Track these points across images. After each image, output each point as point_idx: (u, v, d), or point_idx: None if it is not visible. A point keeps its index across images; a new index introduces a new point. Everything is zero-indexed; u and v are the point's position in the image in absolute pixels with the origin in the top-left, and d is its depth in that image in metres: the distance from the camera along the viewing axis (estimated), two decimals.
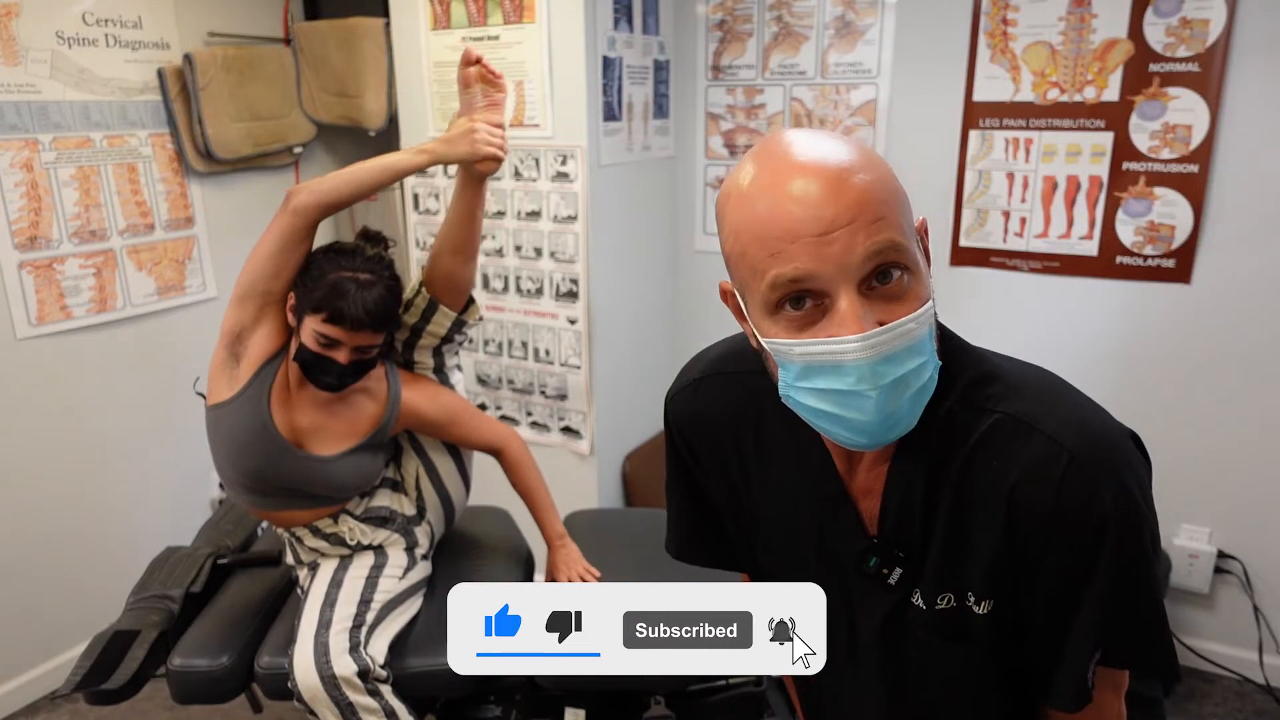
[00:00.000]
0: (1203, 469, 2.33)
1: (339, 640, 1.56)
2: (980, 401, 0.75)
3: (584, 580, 1.80)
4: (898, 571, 0.80)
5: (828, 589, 0.82)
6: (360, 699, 1.54)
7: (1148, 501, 0.73)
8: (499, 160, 1.65)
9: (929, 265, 0.75)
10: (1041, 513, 0.72)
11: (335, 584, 1.66)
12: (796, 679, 1.04)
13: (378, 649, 1.59)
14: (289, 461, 1.62)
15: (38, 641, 2.43)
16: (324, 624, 1.58)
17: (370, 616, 1.62)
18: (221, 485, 2.81)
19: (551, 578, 1.83)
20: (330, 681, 1.52)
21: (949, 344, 0.79)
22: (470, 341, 1.89)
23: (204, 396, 1.66)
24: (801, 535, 0.87)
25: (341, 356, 1.57)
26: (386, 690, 1.57)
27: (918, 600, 0.80)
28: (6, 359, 2.28)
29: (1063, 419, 0.73)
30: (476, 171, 1.66)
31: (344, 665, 1.53)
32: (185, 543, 1.94)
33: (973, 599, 0.77)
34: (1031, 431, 0.73)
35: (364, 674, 1.54)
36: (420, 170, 1.70)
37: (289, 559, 1.80)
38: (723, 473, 0.93)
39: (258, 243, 1.61)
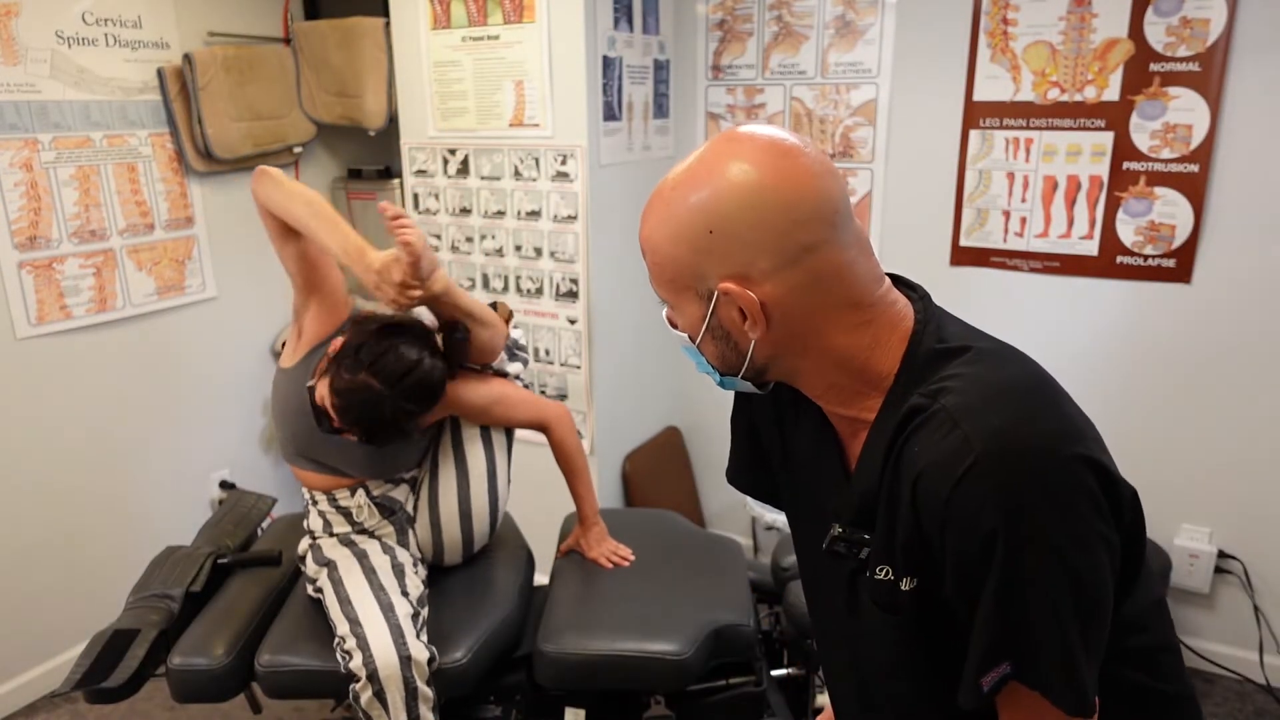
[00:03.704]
0: (1203, 469, 2.33)
1: (407, 624, 1.58)
2: (936, 393, 0.77)
3: (613, 560, 1.89)
4: (862, 537, 0.84)
5: (822, 542, 0.87)
6: (424, 687, 1.55)
7: (1062, 527, 0.70)
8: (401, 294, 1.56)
9: (742, 324, 0.80)
10: (936, 507, 0.73)
11: (370, 570, 1.67)
12: (816, 641, 1.10)
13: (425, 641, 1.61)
14: (324, 438, 1.70)
15: (38, 641, 2.43)
16: (387, 607, 1.59)
17: (415, 607, 1.64)
18: (222, 484, 2.83)
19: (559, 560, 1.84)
20: (406, 662, 1.53)
21: (929, 341, 0.81)
22: (523, 349, 1.92)
23: (277, 356, 1.79)
24: (808, 488, 0.96)
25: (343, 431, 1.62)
26: (433, 686, 1.59)
27: (868, 567, 0.84)
28: (6, 359, 2.28)
29: (989, 422, 0.72)
30: None
31: (418, 649, 1.55)
32: (185, 543, 1.94)
33: (900, 574, 0.80)
34: (954, 428, 0.73)
35: (430, 661, 1.56)
36: (332, 254, 1.59)
37: (305, 524, 1.84)
38: (770, 416, 1.01)
39: None
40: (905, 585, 0.80)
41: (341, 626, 1.58)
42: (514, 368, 1.89)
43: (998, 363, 0.80)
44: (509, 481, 1.89)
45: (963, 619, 0.76)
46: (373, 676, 1.52)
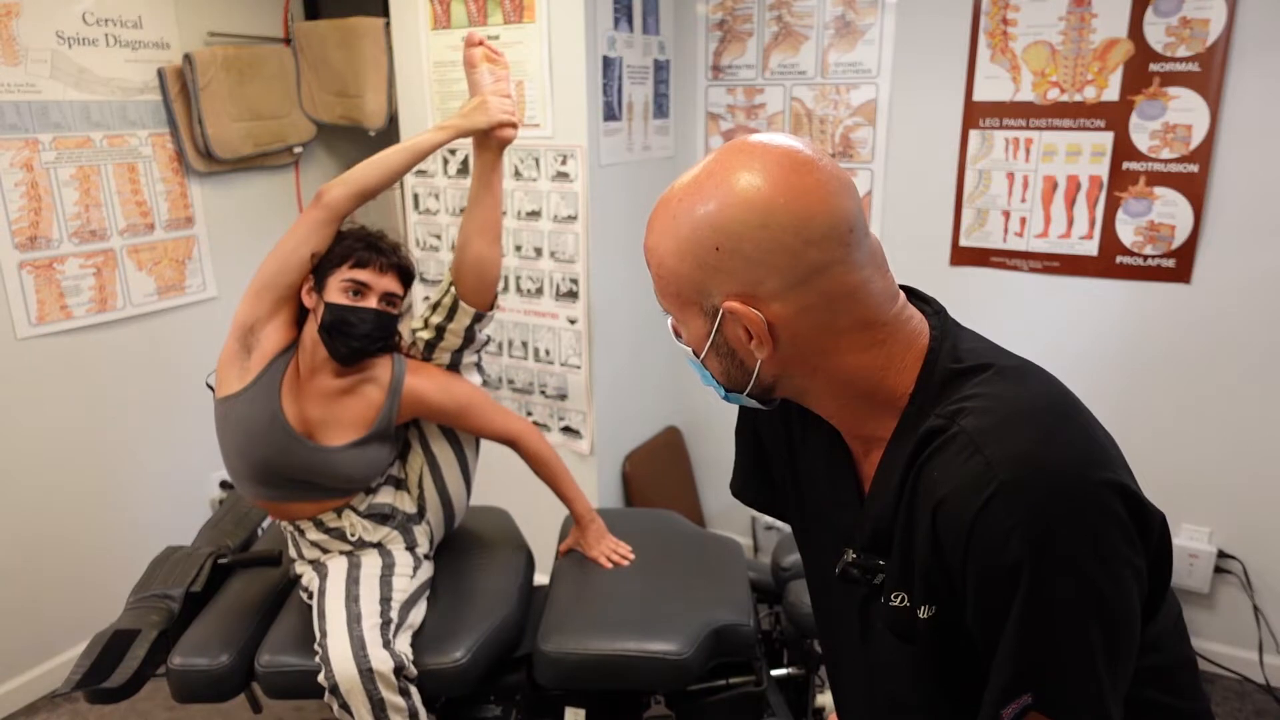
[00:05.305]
0: (1203, 469, 2.33)
1: (373, 635, 1.57)
2: (955, 414, 0.74)
3: (612, 558, 1.89)
4: (877, 563, 0.82)
5: (834, 563, 0.85)
6: (392, 697, 1.54)
7: (1093, 555, 0.68)
8: (514, 126, 1.78)
9: (748, 343, 0.78)
10: (958, 535, 0.71)
11: (353, 580, 1.66)
12: (825, 660, 1.07)
13: (402, 648, 1.59)
14: (298, 451, 1.64)
15: (38, 641, 2.43)
16: (354, 618, 1.59)
17: (394, 615, 1.63)
18: (222, 484, 2.82)
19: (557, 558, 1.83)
20: (367, 675, 1.53)
21: (945, 359, 0.78)
22: (490, 340, 1.92)
23: (214, 390, 1.67)
24: (819, 507, 0.93)
25: (371, 302, 1.65)
26: (414, 690, 1.58)
27: (883, 593, 0.82)
28: (6, 359, 2.28)
29: (1012, 446, 0.70)
30: (495, 140, 1.77)
31: (381, 660, 1.54)
32: (185, 543, 1.94)
33: (917, 602, 0.78)
34: (976, 452, 0.70)
35: (399, 670, 1.55)
36: (442, 145, 1.77)
37: (291, 552, 1.81)
38: (779, 431, 0.99)
39: (284, 237, 1.66)
40: (923, 614, 0.77)
41: (317, 638, 1.60)
42: (475, 379, 1.89)
43: (1018, 381, 0.76)
44: None
45: (984, 648, 0.73)
46: (335, 690, 1.54)
